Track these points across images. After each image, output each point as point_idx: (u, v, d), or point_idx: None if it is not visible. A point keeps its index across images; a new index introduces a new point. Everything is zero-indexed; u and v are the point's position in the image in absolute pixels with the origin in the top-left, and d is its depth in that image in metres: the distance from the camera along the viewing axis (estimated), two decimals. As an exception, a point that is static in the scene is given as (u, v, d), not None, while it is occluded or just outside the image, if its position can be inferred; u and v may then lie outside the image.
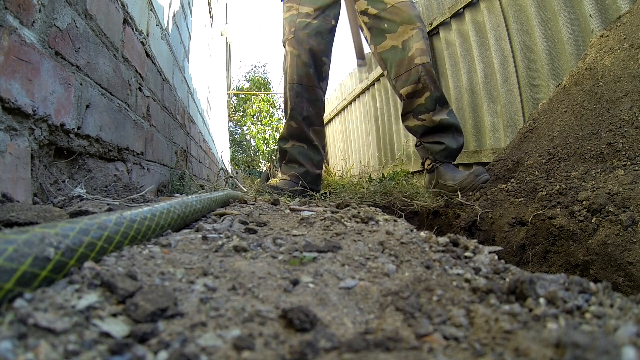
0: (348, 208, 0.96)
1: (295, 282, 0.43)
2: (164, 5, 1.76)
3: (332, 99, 6.72)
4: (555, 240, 1.29)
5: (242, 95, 18.39)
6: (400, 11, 2.01)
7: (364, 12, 2.10)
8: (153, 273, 0.43)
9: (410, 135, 3.89)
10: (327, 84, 2.30)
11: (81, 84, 0.87)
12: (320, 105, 2.25)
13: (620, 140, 1.44)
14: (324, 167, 2.42)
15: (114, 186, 1.01)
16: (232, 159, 12.83)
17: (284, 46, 2.22)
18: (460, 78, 3.19)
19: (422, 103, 2.02)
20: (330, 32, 2.20)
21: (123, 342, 0.28)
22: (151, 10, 1.50)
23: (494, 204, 1.60)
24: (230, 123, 16.72)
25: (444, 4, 3.35)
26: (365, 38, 2.22)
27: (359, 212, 0.84)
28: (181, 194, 1.62)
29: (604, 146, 1.47)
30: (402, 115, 2.18)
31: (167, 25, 1.84)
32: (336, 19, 2.23)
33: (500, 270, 0.49)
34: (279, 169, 2.31)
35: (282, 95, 2.71)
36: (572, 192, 1.33)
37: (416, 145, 2.25)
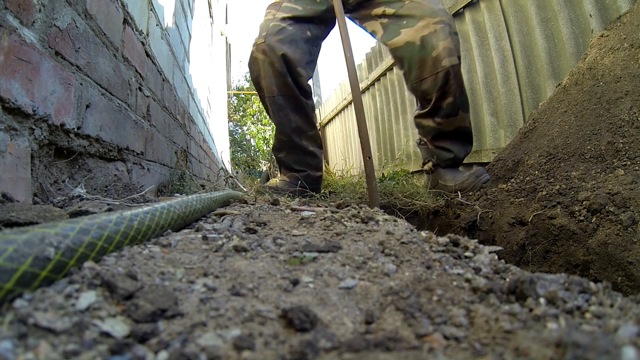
0: (348, 208, 0.96)
1: (295, 282, 0.43)
2: (164, 5, 1.76)
3: (332, 99, 6.72)
4: (555, 240, 1.29)
5: (242, 95, 18.37)
6: (420, 5, 1.78)
7: (381, 15, 1.90)
8: (153, 273, 0.43)
9: (410, 135, 3.92)
10: (311, 94, 2.04)
11: (81, 84, 0.87)
12: (308, 111, 2.04)
13: (620, 140, 1.44)
14: (324, 167, 2.41)
15: (114, 186, 1.01)
16: (232, 159, 12.81)
17: (252, 51, 1.97)
18: (460, 78, 3.19)
19: (443, 107, 1.86)
20: (306, 42, 1.95)
21: (123, 342, 0.28)
22: (151, 10, 1.50)
23: (494, 204, 1.60)
24: (230, 123, 16.70)
25: (444, 4, 3.35)
26: (377, 37, 1.99)
27: (359, 212, 0.84)
28: (181, 194, 1.62)
29: (604, 146, 1.47)
30: (419, 113, 1.99)
31: (167, 25, 1.84)
32: (312, 32, 1.99)
33: (501, 270, 0.49)
34: (279, 170, 2.28)
35: None
36: (572, 192, 1.33)
37: (419, 144, 2.16)
